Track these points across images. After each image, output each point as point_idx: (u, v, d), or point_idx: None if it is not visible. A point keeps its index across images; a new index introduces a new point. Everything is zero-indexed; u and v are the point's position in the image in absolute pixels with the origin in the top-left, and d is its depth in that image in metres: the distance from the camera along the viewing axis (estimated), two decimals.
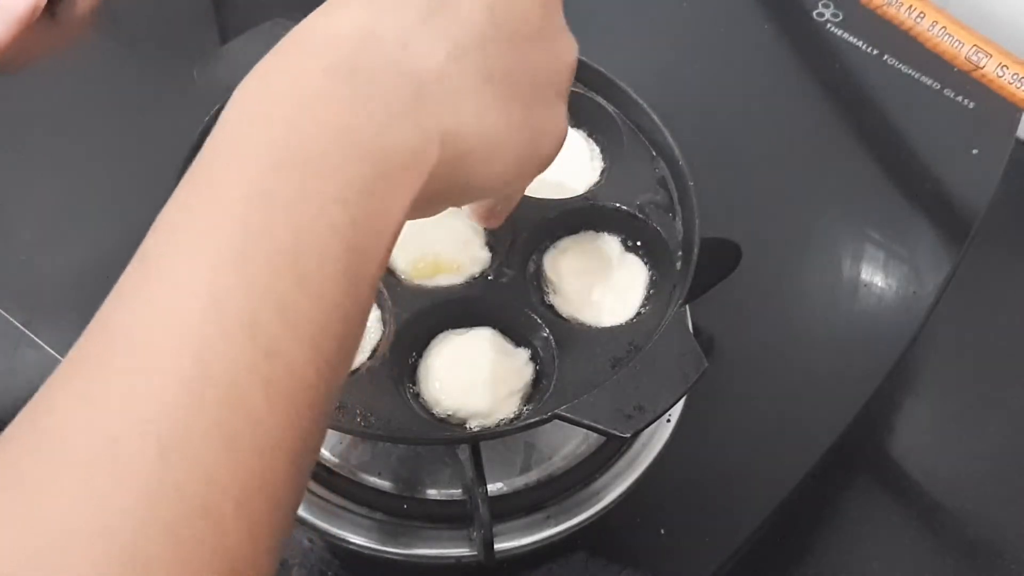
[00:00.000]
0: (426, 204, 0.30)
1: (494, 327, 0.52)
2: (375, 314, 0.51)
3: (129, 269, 0.26)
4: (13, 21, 0.44)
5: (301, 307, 0.26)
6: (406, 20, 0.30)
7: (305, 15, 0.55)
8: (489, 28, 0.31)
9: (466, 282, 0.53)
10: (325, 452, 0.56)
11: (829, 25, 0.75)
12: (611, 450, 0.56)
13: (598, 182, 0.57)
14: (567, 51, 0.35)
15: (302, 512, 0.53)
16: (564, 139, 0.36)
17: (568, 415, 0.45)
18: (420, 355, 0.51)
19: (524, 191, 0.39)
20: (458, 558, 0.53)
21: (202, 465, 0.23)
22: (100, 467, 0.23)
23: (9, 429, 0.24)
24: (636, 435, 0.51)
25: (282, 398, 0.25)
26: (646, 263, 0.55)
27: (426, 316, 0.51)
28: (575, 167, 0.58)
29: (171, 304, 0.25)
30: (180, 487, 0.23)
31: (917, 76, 0.72)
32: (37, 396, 0.25)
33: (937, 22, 0.70)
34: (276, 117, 0.28)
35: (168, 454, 0.23)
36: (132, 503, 0.23)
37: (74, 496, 0.23)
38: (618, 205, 0.55)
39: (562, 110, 0.35)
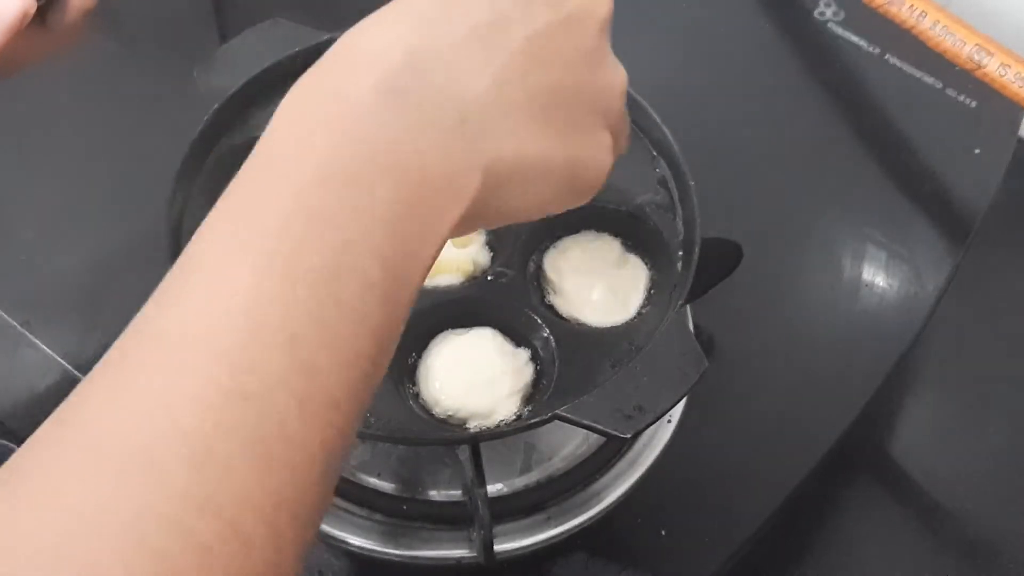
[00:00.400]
0: (463, 225, 0.30)
1: (494, 327, 0.52)
2: None
3: (170, 274, 0.27)
4: (3, 28, 0.44)
5: (340, 328, 0.26)
6: (451, 41, 0.30)
7: (305, 15, 0.55)
8: (536, 53, 0.31)
9: (466, 282, 0.53)
10: None
11: (830, 24, 0.75)
12: (611, 451, 0.56)
13: None
14: (615, 80, 0.34)
15: None
16: (607, 171, 0.35)
17: (568, 415, 0.45)
18: (420, 355, 0.51)
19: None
20: (458, 559, 0.53)
21: (234, 481, 0.24)
22: (132, 473, 0.23)
23: (41, 428, 0.25)
24: (636, 436, 0.51)
25: (316, 417, 0.25)
26: (646, 263, 0.55)
27: (426, 316, 0.51)
28: None
29: (210, 313, 0.25)
30: (212, 502, 0.23)
31: (919, 75, 0.72)
32: (72, 395, 0.25)
33: (939, 21, 0.70)
34: (321, 134, 0.28)
35: (201, 467, 0.23)
36: (164, 512, 0.23)
37: (105, 497, 0.23)
38: (618, 205, 0.55)
39: (606, 140, 0.34)
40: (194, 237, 0.27)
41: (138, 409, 0.24)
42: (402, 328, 0.29)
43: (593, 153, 0.34)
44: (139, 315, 0.26)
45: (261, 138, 0.29)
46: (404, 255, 0.28)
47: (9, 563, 0.22)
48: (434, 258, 0.29)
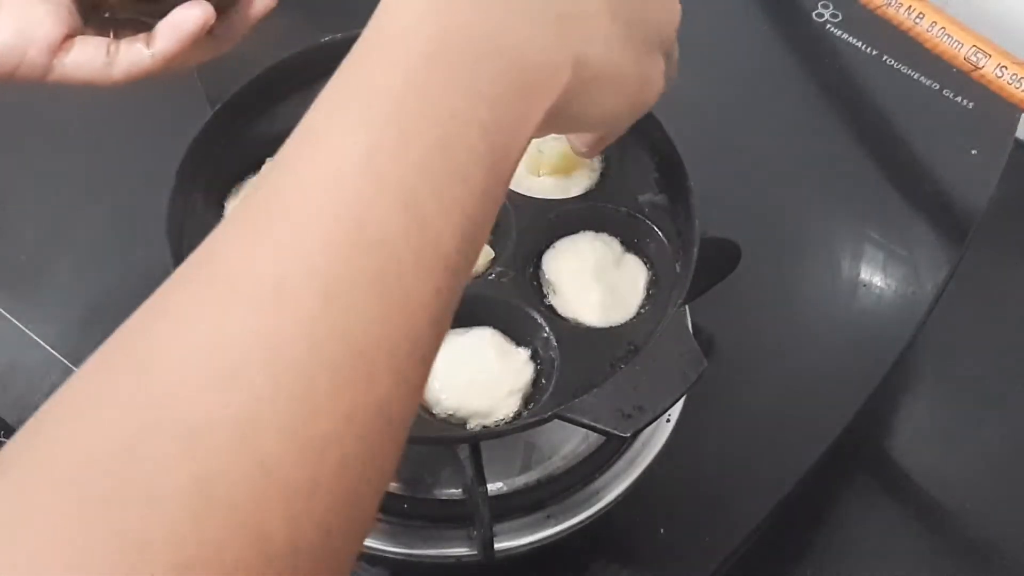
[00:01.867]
0: (548, 123, 0.33)
1: (494, 327, 0.52)
2: None
3: (290, 141, 0.29)
4: (182, 37, 0.46)
5: (449, 189, 0.28)
6: None
7: (305, 15, 0.55)
8: None
9: (466, 282, 0.53)
10: None
11: (828, 26, 0.75)
12: (611, 450, 0.56)
13: (598, 182, 0.57)
14: (675, 10, 0.40)
15: None
16: (660, 91, 0.40)
17: (568, 415, 0.45)
18: None
19: (623, 132, 0.44)
20: (458, 557, 0.53)
21: (360, 314, 0.26)
22: (268, 306, 0.25)
23: (177, 272, 0.27)
24: (636, 435, 0.51)
25: (428, 266, 0.28)
26: (646, 263, 0.55)
27: None
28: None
29: (332, 169, 0.28)
30: (341, 331, 0.26)
31: (916, 76, 0.72)
32: (204, 244, 0.27)
33: (936, 22, 0.70)
34: (429, 21, 0.30)
35: (331, 300, 0.26)
36: (299, 339, 0.25)
37: (245, 329, 0.25)
38: (618, 205, 0.55)
39: (662, 64, 0.39)
40: (311, 109, 0.29)
41: (269, 251, 0.26)
42: (500, 202, 0.31)
43: (655, 72, 0.39)
44: (258, 178, 0.29)
45: (368, 25, 0.31)
46: (504, 133, 0.30)
47: (167, 375, 0.24)
48: (526, 145, 0.31)
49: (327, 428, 0.25)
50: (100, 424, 0.23)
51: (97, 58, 0.46)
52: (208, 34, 0.48)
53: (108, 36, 0.47)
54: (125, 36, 0.47)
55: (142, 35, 0.47)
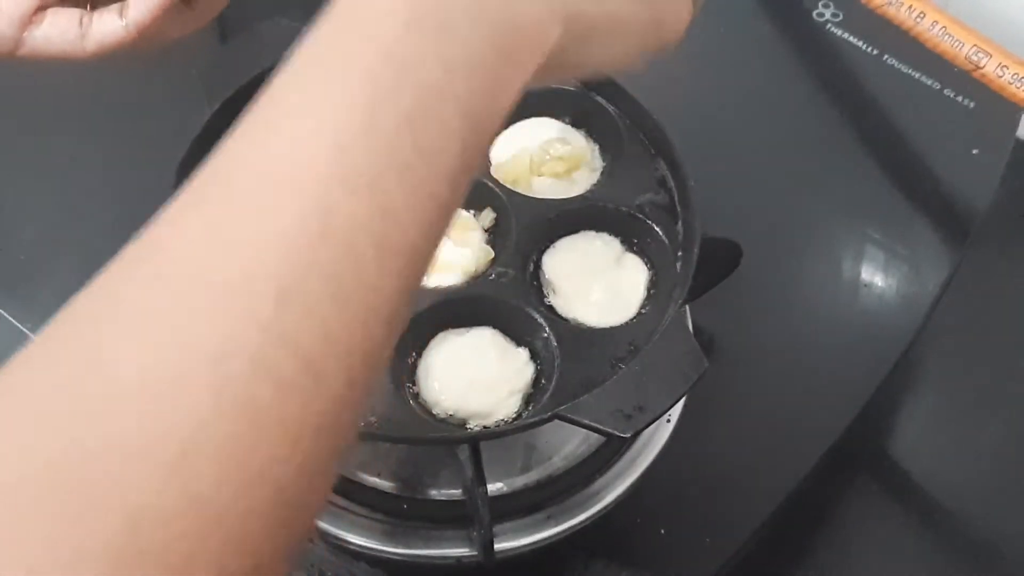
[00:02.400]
0: (540, 76, 0.31)
1: (494, 327, 0.52)
2: None
3: (255, 111, 0.27)
4: (157, 4, 0.45)
5: (417, 173, 0.27)
6: None
7: (305, 15, 0.55)
8: None
9: (466, 282, 0.53)
10: None
11: (829, 25, 0.75)
12: (611, 450, 0.56)
13: (598, 182, 0.57)
14: None
15: None
16: (685, 25, 0.37)
17: (568, 415, 0.45)
18: (420, 355, 0.51)
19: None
20: (458, 558, 0.53)
21: (314, 320, 0.24)
22: (220, 307, 0.24)
23: (128, 250, 0.25)
24: (636, 435, 0.51)
25: (390, 263, 0.26)
26: (646, 263, 0.55)
27: (426, 316, 0.51)
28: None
29: (298, 149, 0.26)
30: (292, 338, 0.24)
31: (917, 76, 0.72)
32: (154, 227, 0.25)
33: (937, 22, 0.70)
34: None
35: (284, 304, 0.24)
36: (247, 345, 0.23)
37: (193, 327, 0.23)
38: (618, 205, 0.55)
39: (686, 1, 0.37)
40: (280, 75, 0.27)
41: (221, 245, 0.25)
42: (473, 175, 0.29)
43: (668, 8, 0.36)
44: (224, 151, 0.26)
45: None
46: (483, 103, 0.28)
47: (102, 385, 0.23)
48: (508, 110, 0.29)
49: (267, 452, 0.23)
50: (34, 437, 0.22)
51: (70, 30, 0.45)
52: (185, 5, 0.47)
53: (82, 8, 0.46)
54: (99, 8, 0.46)
55: (115, 5, 0.46)
